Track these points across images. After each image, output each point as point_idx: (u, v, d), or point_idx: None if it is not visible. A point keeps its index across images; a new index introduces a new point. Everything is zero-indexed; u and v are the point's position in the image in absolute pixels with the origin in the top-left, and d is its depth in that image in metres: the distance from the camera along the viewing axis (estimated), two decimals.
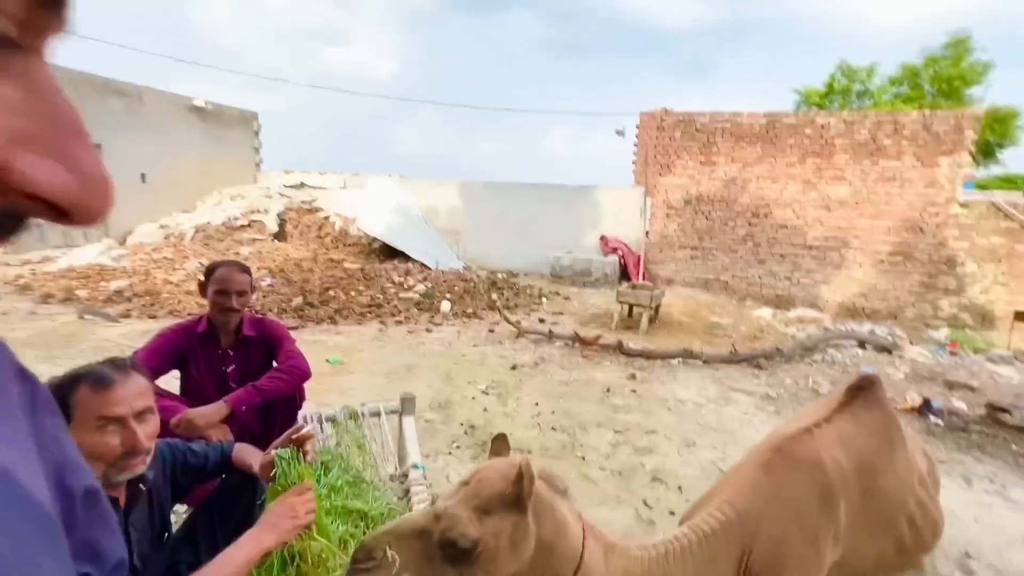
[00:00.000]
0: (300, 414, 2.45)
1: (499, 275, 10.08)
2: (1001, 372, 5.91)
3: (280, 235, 10.71)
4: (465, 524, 1.21)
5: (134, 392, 1.17)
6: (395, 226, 10.26)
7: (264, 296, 7.11)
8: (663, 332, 6.73)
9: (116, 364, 1.19)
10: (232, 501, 1.49)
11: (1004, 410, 4.37)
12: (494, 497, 1.26)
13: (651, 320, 6.76)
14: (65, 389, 1.10)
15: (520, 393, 4.39)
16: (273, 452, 1.34)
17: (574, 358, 5.46)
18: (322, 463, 2.19)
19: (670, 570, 1.63)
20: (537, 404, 4.15)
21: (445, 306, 7.12)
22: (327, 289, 7.61)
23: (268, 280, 7.99)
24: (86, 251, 9.07)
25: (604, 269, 9.61)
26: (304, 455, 1.35)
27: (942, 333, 7.89)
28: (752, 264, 9.62)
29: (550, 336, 5.97)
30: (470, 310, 7.19)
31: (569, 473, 3.14)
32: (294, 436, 1.37)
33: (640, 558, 1.61)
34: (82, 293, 6.75)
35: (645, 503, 2.87)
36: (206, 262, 8.79)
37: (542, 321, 6.80)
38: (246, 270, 2.14)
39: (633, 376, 4.97)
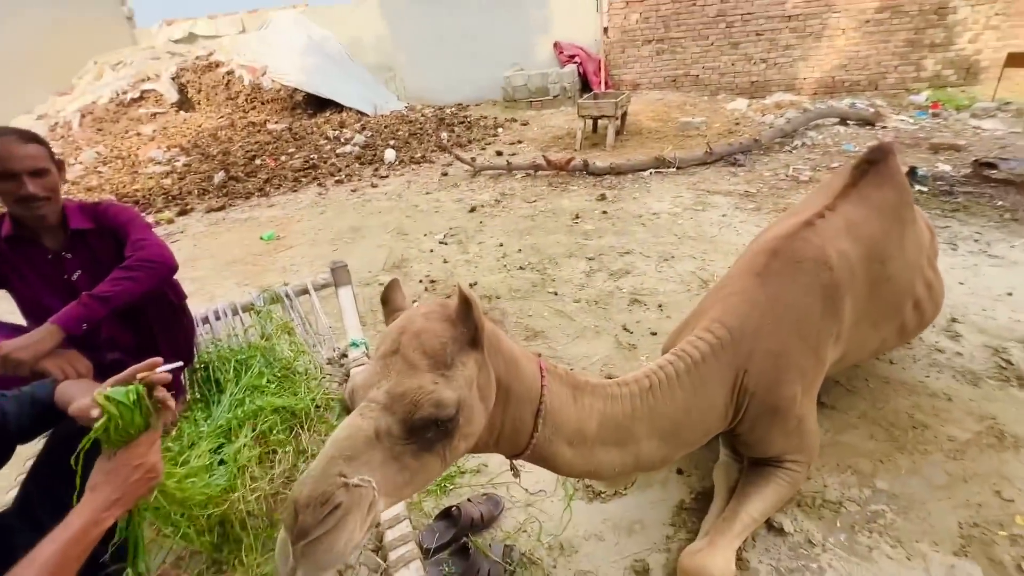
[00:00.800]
0: (204, 311, 2.04)
1: (447, 110, 8.98)
2: (985, 126, 5.58)
3: (184, 103, 9.14)
4: (436, 391, 0.90)
5: None
6: (313, 69, 8.73)
7: (181, 178, 6.20)
8: (632, 143, 6.13)
9: None
10: (67, 459, 1.11)
11: (991, 164, 4.13)
12: (445, 345, 0.94)
13: (618, 132, 6.10)
14: None
15: (482, 236, 3.99)
16: (99, 392, 0.90)
17: (538, 188, 4.97)
18: (237, 360, 1.86)
19: (656, 404, 1.40)
20: (502, 245, 3.79)
21: (389, 155, 6.32)
22: (252, 158, 6.67)
23: (182, 160, 6.95)
24: None
25: (562, 82, 8.51)
26: (157, 405, 0.92)
27: (923, 96, 7.37)
28: (725, 50, 8.55)
29: (509, 169, 5.38)
30: (419, 155, 6.41)
31: (542, 312, 2.90)
32: (139, 376, 0.93)
33: (619, 396, 1.37)
34: None
35: (625, 328, 2.69)
36: (104, 151, 7.56)
37: (499, 154, 6.12)
38: (35, 139, 1.48)
39: (603, 196, 4.55)
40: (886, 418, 1.99)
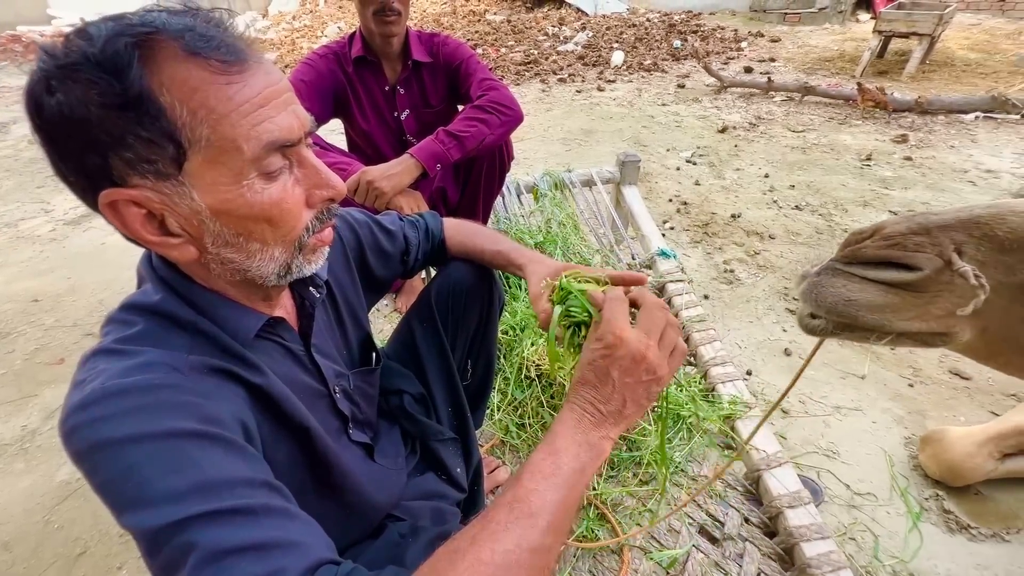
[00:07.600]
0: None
1: (675, 16, 7.83)
2: None
3: None
4: None
5: (284, 86, 0.51)
6: None
7: None
8: (941, 76, 4.65)
9: (220, 24, 0.49)
10: (458, 307, 0.94)
11: None
12: None
13: (922, 59, 4.66)
14: (128, 62, 0.42)
15: (739, 162, 3.34)
16: (564, 277, 0.67)
17: (804, 116, 4.03)
18: (536, 244, 1.65)
19: None
20: (767, 176, 3.12)
21: (617, 57, 5.68)
22: (473, 47, 6.53)
23: None
24: None
25: None
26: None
27: None
28: None
29: (768, 89, 4.44)
30: (648, 61, 5.67)
31: None
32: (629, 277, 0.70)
33: None
34: None
35: None
36: (344, 27, 8.05)
37: (748, 71, 5.12)
38: None
39: (903, 138, 3.50)
40: None
